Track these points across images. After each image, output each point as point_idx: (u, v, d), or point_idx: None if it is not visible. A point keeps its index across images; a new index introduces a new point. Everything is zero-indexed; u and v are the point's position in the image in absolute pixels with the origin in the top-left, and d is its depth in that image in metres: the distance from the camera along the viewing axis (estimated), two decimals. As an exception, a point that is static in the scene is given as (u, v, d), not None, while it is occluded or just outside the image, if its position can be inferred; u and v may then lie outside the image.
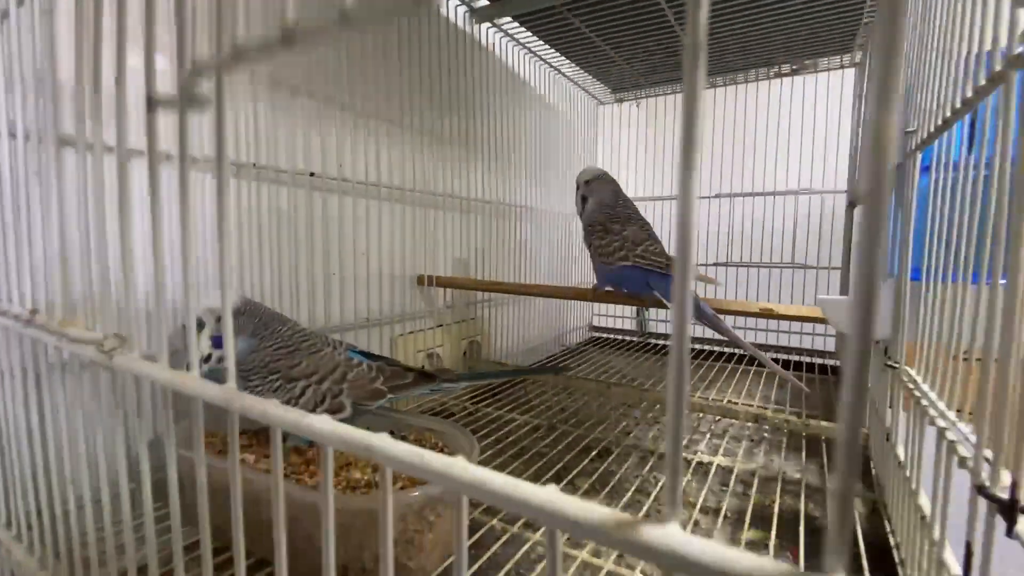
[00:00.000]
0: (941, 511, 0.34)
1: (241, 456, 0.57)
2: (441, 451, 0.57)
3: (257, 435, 0.60)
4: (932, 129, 0.42)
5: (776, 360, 1.45)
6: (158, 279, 0.24)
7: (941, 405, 0.39)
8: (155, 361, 0.24)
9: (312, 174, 0.78)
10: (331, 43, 0.80)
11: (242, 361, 0.55)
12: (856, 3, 1.01)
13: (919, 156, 0.51)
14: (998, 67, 0.28)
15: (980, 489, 0.27)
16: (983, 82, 0.30)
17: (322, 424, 0.17)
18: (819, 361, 1.44)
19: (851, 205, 1.23)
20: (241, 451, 0.58)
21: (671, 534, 0.13)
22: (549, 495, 0.14)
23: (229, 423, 0.20)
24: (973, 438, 0.33)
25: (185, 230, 0.22)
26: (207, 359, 0.56)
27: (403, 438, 0.58)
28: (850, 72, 1.33)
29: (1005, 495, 0.26)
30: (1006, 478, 0.27)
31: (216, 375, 0.57)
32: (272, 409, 0.18)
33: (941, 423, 0.37)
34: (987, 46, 0.36)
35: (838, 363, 1.40)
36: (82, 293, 0.33)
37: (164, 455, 0.25)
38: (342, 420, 0.55)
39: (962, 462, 0.31)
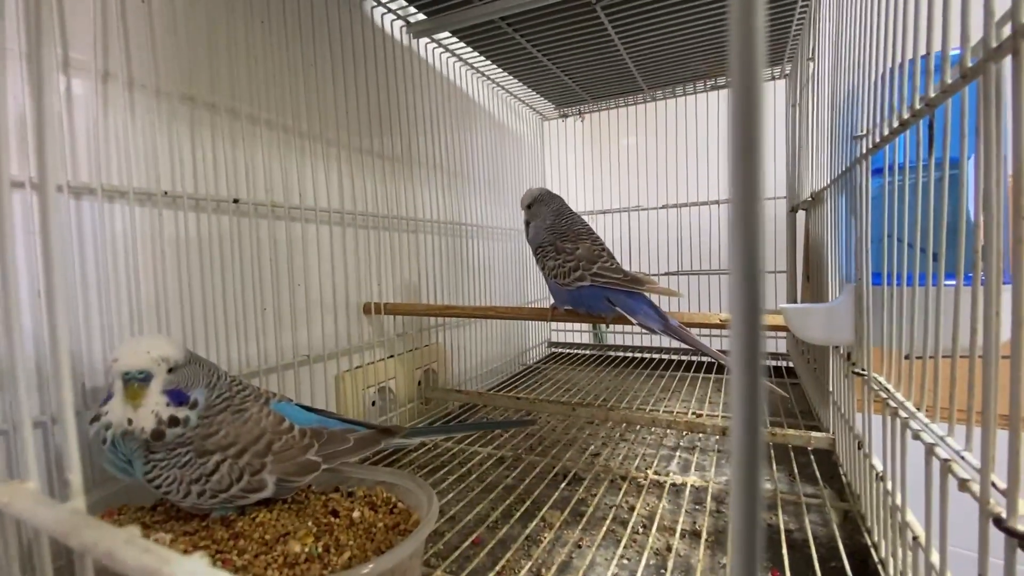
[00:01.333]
0: (940, 537, 0.32)
1: (155, 535, 0.48)
2: (394, 507, 0.50)
3: (179, 507, 0.51)
4: (887, 132, 0.42)
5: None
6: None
7: (922, 416, 0.37)
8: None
9: (236, 200, 0.71)
10: (255, 55, 0.74)
11: (196, 424, 0.46)
12: (784, 19, 1.05)
13: (869, 160, 0.51)
14: (968, 64, 0.26)
15: (998, 522, 0.24)
16: (949, 81, 0.29)
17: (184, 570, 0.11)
18: (773, 363, 1.47)
19: (792, 210, 1.27)
20: (156, 528, 0.49)
21: None
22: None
23: (78, 568, 0.14)
24: (967, 454, 0.31)
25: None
26: (172, 423, 0.44)
27: (350, 494, 0.51)
28: (781, 83, 1.39)
29: (1027, 529, 0.23)
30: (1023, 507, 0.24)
31: (170, 444, 0.45)
32: (119, 551, 0.12)
33: (927, 438, 0.35)
34: (935, 47, 0.35)
35: (791, 364, 1.43)
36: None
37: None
38: (262, 500, 0.48)
39: (962, 485, 0.29)
